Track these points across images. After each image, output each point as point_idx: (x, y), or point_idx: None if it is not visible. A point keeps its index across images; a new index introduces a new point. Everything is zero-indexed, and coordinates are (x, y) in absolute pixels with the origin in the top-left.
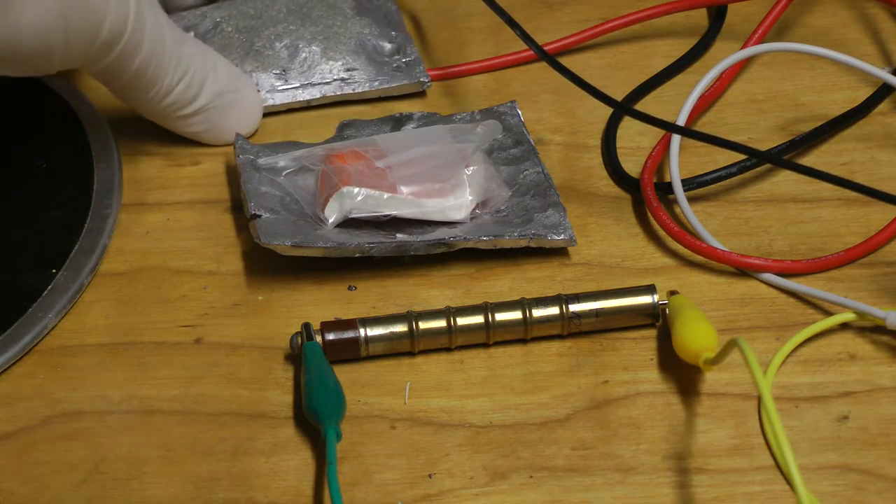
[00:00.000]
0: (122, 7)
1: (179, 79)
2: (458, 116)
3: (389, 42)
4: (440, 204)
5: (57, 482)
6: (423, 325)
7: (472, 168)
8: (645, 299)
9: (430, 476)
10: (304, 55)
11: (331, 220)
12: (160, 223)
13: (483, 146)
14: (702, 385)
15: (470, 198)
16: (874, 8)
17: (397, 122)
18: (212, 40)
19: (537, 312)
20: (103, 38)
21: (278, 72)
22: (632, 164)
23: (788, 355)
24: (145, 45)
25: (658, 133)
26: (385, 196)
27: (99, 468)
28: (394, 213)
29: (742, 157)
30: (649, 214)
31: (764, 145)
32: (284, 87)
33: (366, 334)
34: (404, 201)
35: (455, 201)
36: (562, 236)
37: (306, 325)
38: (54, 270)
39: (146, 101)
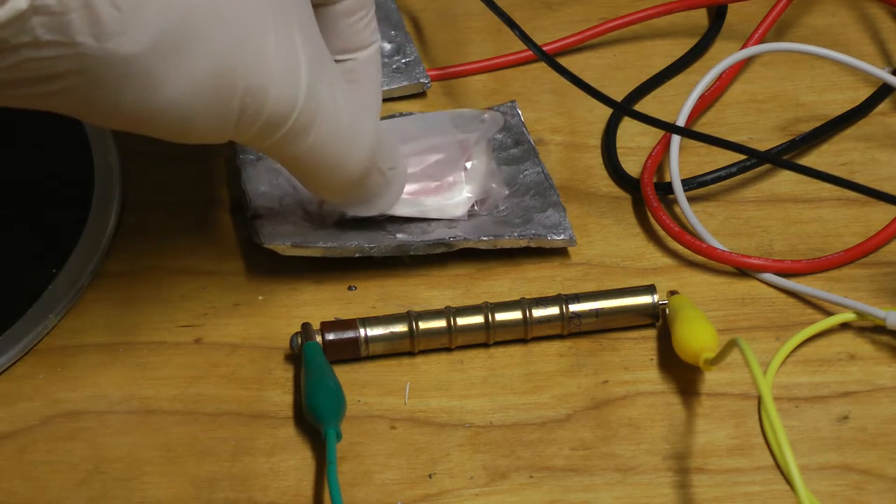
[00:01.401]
0: (289, 82)
1: (347, 165)
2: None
3: (389, 42)
4: (438, 202)
5: (57, 482)
6: (423, 325)
7: (472, 162)
8: (645, 299)
9: (430, 476)
10: None
11: (330, 220)
12: (160, 223)
13: (487, 136)
14: (702, 385)
15: (468, 195)
16: (874, 8)
17: None
18: None
19: (537, 312)
20: (264, 120)
21: None
22: (632, 164)
23: (788, 355)
24: (316, 126)
25: (658, 133)
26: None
27: (99, 468)
28: (391, 213)
29: (742, 157)
30: (649, 214)
31: (764, 145)
32: None
33: (366, 334)
34: (402, 201)
35: (453, 199)
36: (562, 236)
37: (306, 325)
38: (54, 270)
39: (314, 182)
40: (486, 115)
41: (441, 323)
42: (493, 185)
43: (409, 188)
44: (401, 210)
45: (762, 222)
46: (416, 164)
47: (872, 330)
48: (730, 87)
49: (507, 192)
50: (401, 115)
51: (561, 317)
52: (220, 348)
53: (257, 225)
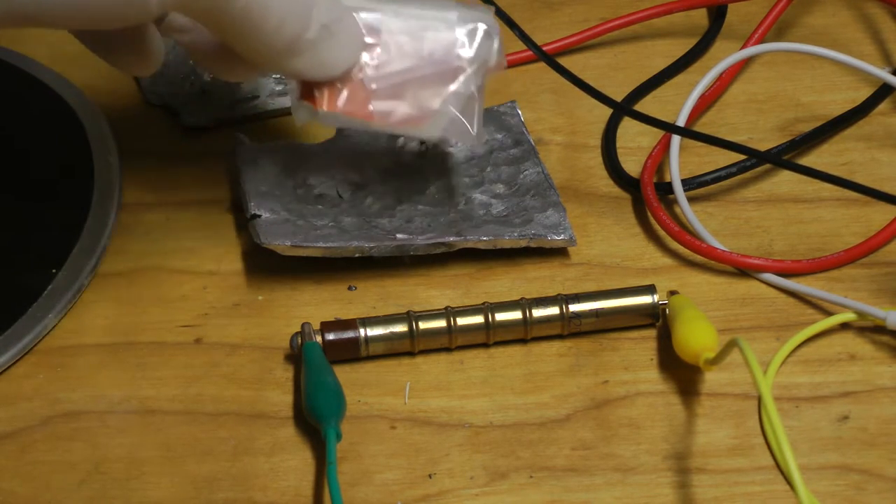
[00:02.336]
0: None
1: (287, 13)
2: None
3: None
4: (411, 131)
5: (57, 482)
6: (423, 325)
7: (457, 86)
8: (645, 299)
9: (430, 476)
10: None
11: (298, 117)
12: (160, 223)
13: (482, 61)
14: (702, 385)
15: (444, 124)
16: (874, 8)
17: None
18: None
19: (537, 312)
20: None
21: (279, 76)
22: (632, 164)
23: (788, 355)
24: None
25: (658, 133)
26: (357, 121)
27: (99, 468)
28: (346, 121)
29: (742, 157)
30: (649, 214)
31: (764, 145)
32: (285, 90)
33: (366, 334)
34: (374, 125)
35: (426, 132)
36: (562, 236)
37: (306, 325)
38: (54, 270)
39: (254, 43)
40: (479, 31)
41: (441, 323)
42: (473, 125)
43: (383, 108)
44: (369, 129)
45: (762, 222)
46: (400, 75)
47: (872, 330)
48: (730, 87)
49: (476, 141)
50: None
51: (561, 317)
52: (220, 348)
53: (257, 225)
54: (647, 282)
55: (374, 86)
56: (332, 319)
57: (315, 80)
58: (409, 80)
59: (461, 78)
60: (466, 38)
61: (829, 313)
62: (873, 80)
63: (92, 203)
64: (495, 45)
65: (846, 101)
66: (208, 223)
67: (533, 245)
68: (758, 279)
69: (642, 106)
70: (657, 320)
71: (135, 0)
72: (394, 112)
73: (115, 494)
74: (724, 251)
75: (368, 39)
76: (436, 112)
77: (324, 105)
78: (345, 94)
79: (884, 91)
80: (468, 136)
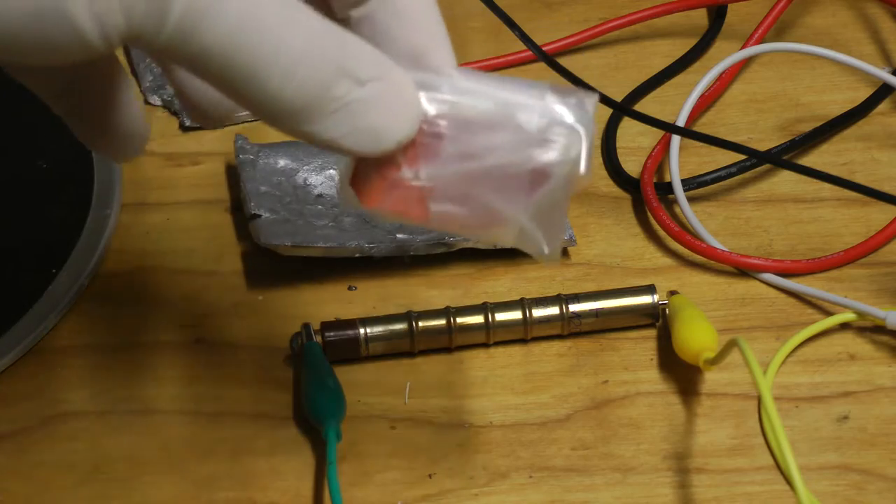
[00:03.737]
0: None
1: (300, 55)
2: None
3: None
4: (473, 235)
5: (57, 482)
6: (423, 324)
7: (537, 195)
8: (645, 299)
9: (430, 476)
10: None
11: (343, 201)
12: (160, 223)
13: (571, 166)
14: (702, 385)
15: (509, 243)
16: (874, 8)
17: None
18: None
19: (537, 312)
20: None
21: None
22: (632, 164)
23: (788, 355)
24: (222, 14)
25: (658, 133)
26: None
27: (99, 468)
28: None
29: (742, 157)
30: (649, 214)
31: (764, 145)
32: None
33: (366, 334)
34: (431, 227)
35: (491, 239)
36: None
37: (306, 325)
38: (54, 270)
39: (255, 99)
40: (587, 105)
41: (441, 323)
42: (548, 243)
43: (442, 211)
44: (415, 211)
45: (762, 222)
46: (464, 147)
47: (872, 330)
48: (730, 87)
49: (558, 255)
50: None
51: (561, 317)
52: (220, 348)
53: (257, 225)
54: (647, 282)
55: (432, 182)
56: (332, 319)
57: (357, 155)
58: (478, 179)
59: (545, 185)
60: (556, 137)
61: (829, 313)
62: (873, 80)
63: (92, 203)
64: (584, 150)
65: (846, 101)
66: (208, 223)
67: None
68: (758, 279)
69: (642, 106)
70: (657, 320)
71: (62, 23)
72: (456, 216)
73: (115, 494)
74: (724, 251)
75: (441, 122)
76: (507, 220)
77: (369, 200)
78: (396, 187)
79: (884, 91)
80: (541, 253)
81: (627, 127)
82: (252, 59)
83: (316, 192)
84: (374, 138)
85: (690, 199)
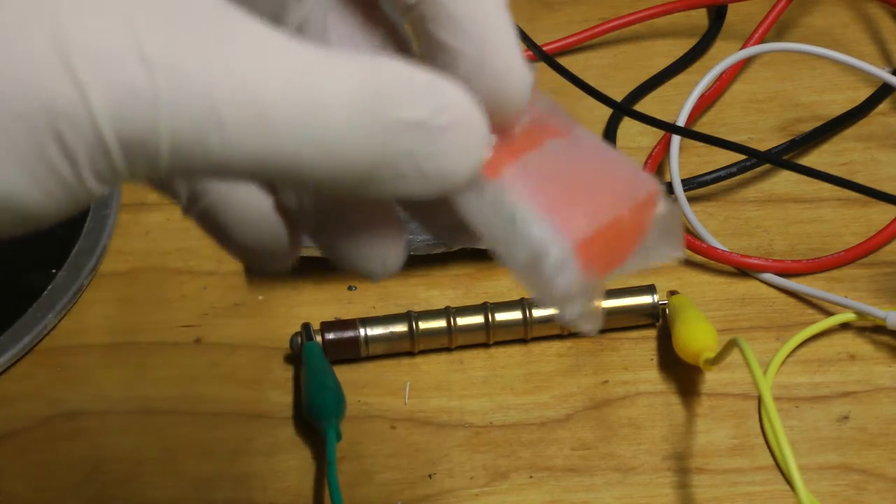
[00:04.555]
0: (113, 70)
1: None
2: None
3: None
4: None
5: (57, 482)
6: (423, 324)
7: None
8: (645, 299)
9: (430, 476)
10: None
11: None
12: (160, 223)
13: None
14: (702, 385)
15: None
16: (874, 8)
17: None
18: None
19: (537, 312)
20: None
21: None
22: None
23: (788, 355)
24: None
25: (658, 133)
26: None
27: (99, 468)
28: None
29: (742, 157)
30: None
31: (764, 145)
32: None
33: (366, 334)
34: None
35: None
36: None
37: (306, 325)
38: (54, 270)
39: (320, 182)
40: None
41: (441, 323)
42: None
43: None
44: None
45: (762, 222)
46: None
47: (872, 330)
48: (730, 87)
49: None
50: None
51: None
52: (220, 348)
53: None
54: (647, 282)
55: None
56: (332, 319)
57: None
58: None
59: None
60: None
61: (829, 313)
62: (873, 80)
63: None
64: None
65: (846, 101)
66: None
67: None
68: (758, 279)
69: (642, 106)
70: (657, 320)
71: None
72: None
73: (115, 494)
74: (724, 251)
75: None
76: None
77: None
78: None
79: (884, 91)
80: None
81: (627, 127)
82: (283, 162)
83: None
84: (438, 180)
85: (690, 199)
